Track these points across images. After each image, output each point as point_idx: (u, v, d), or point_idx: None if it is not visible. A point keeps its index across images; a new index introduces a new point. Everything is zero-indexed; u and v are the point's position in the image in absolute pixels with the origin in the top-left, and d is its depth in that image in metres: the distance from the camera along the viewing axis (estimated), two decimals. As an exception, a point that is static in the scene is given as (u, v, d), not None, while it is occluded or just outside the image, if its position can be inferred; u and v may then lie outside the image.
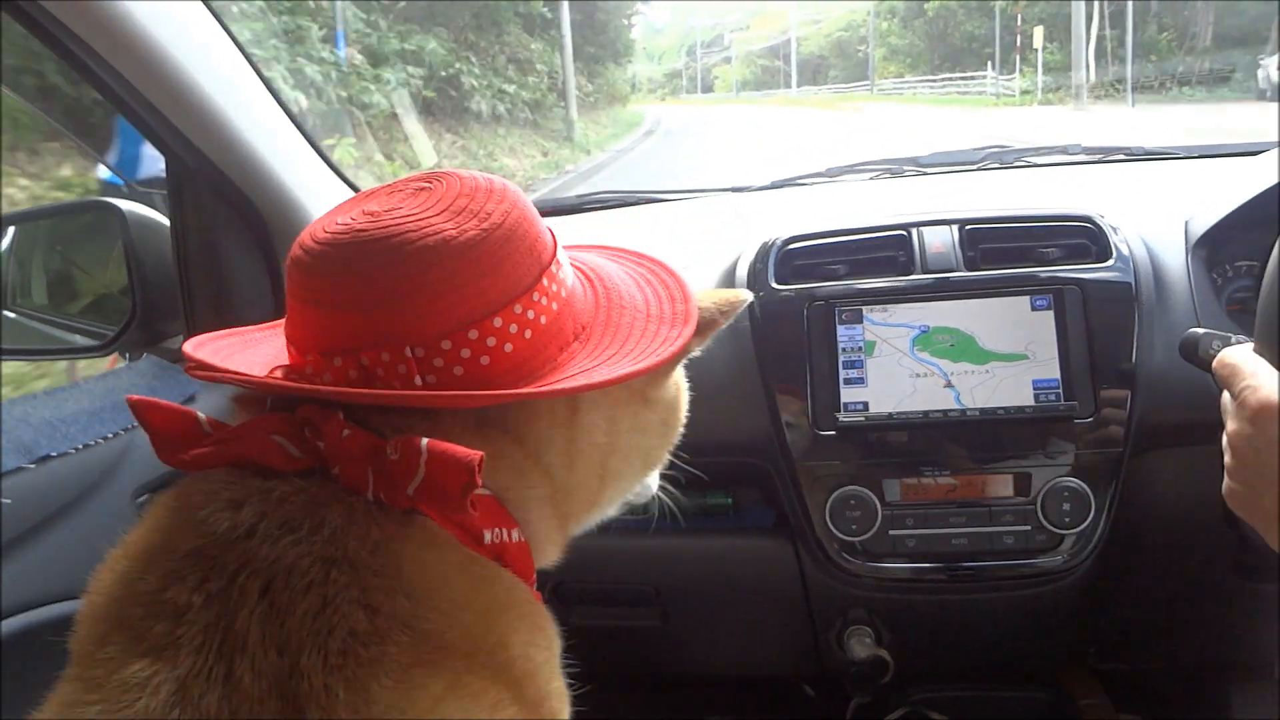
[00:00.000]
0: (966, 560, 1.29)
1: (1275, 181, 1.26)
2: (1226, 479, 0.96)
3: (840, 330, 1.32)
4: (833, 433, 1.29)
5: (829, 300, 1.33)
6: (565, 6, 23.27)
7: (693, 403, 1.36)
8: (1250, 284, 1.34)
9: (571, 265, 0.78)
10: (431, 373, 0.67)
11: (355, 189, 1.71)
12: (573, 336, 0.74)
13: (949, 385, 1.29)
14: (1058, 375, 1.27)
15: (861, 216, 1.46)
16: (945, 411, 1.28)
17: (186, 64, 1.31)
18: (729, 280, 1.42)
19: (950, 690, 1.59)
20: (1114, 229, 1.34)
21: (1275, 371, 0.91)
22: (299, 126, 1.54)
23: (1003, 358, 1.28)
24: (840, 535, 1.29)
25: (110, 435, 1.40)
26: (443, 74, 15.95)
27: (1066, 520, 1.25)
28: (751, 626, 1.51)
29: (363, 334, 0.66)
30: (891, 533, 1.29)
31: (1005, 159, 1.82)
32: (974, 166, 1.81)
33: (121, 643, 0.58)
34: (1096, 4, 27.40)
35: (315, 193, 1.56)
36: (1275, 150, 1.40)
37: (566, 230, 1.82)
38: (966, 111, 29.37)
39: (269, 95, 1.47)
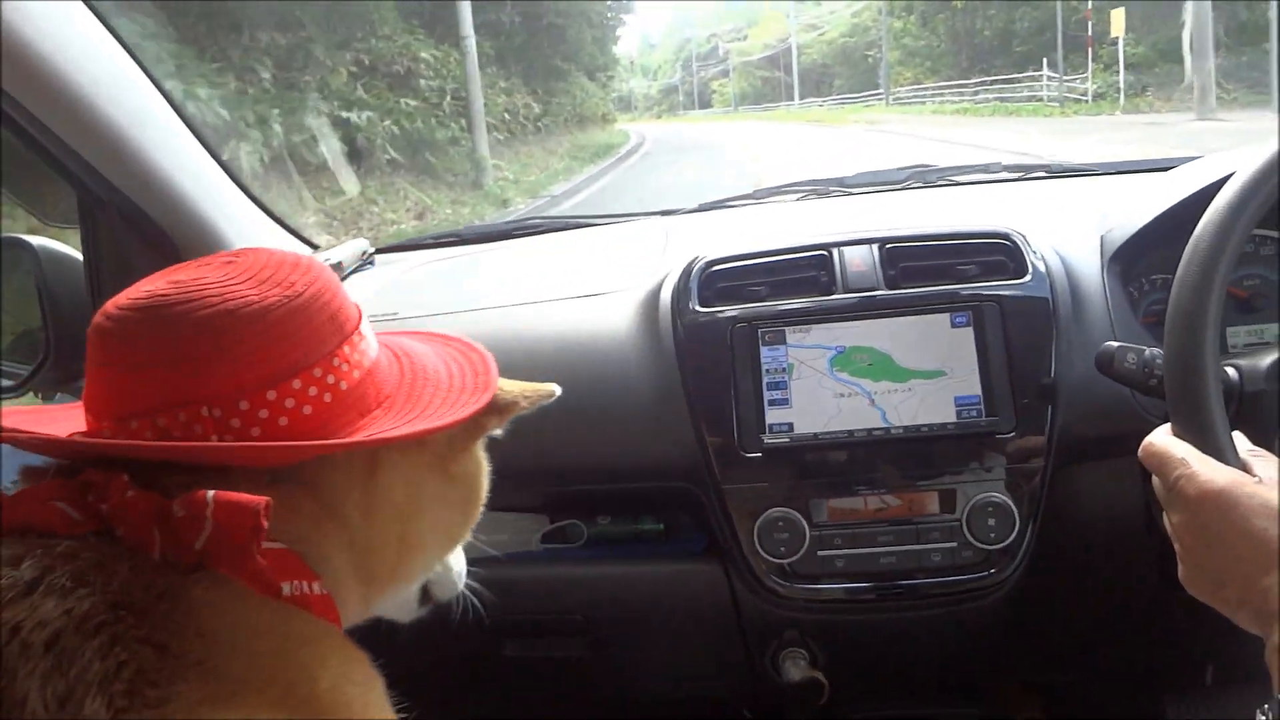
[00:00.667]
0: (896, 579, 1.29)
1: (1185, 196, 1.28)
2: (1181, 566, 0.94)
3: (764, 351, 1.32)
4: (758, 455, 1.29)
5: (752, 322, 1.33)
6: (465, 5, 17.17)
7: (618, 428, 1.36)
8: (1164, 297, 1.36)
9: (381, 344, 0.81)
10: (229, 433, 0.67)
11: (270, 213, 1.69)
12: (375, 404, 0.76)
13: (874, 404, 1.29)
14: (979, 392, 1.28)
15: (786, 237, 1.46)
16: (870, 430, 1.28)
17: (91, 91, 1.29)
18: (654, 302, 1.42)
19: (887, 709, 1.59)
20: (1030, 245, 1.36)
21: (1203, 456, 0.90)
22: (210, 151, 1.52)
23: (921, 375, 1.29)
24: (769, 557, 1.29)
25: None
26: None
27: (992, 535, 1.26)
28: (686, 652, 1.50)
29: (160, 395, 0.66)
30: (820, 553, 1.28)
31: (929, 178, 1.84)
32: (898, 186, 1.83)
33: None
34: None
35: (231, 218, 1.54)
36: (1187, 166, 1.43)
37: (500, 256, 1.82)
38: (1027, 122, 24.47)
39: (179, 120, 1.44)
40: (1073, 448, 1.27)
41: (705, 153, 25.99)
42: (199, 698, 0.56)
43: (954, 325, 1.30)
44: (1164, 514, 0.95)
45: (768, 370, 1.31)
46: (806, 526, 1.28)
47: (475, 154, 16.62)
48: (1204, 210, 0.99)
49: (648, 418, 1.35)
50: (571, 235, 1.89)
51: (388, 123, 14.49)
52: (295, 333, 0.70)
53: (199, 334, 0.66)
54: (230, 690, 0.58)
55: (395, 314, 1.57)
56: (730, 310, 1.35)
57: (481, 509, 0.92)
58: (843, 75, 71.74)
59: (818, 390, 1.30)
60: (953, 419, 1.27)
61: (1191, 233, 0.99)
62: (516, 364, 1.44)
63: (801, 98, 75.36)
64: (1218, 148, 1.49)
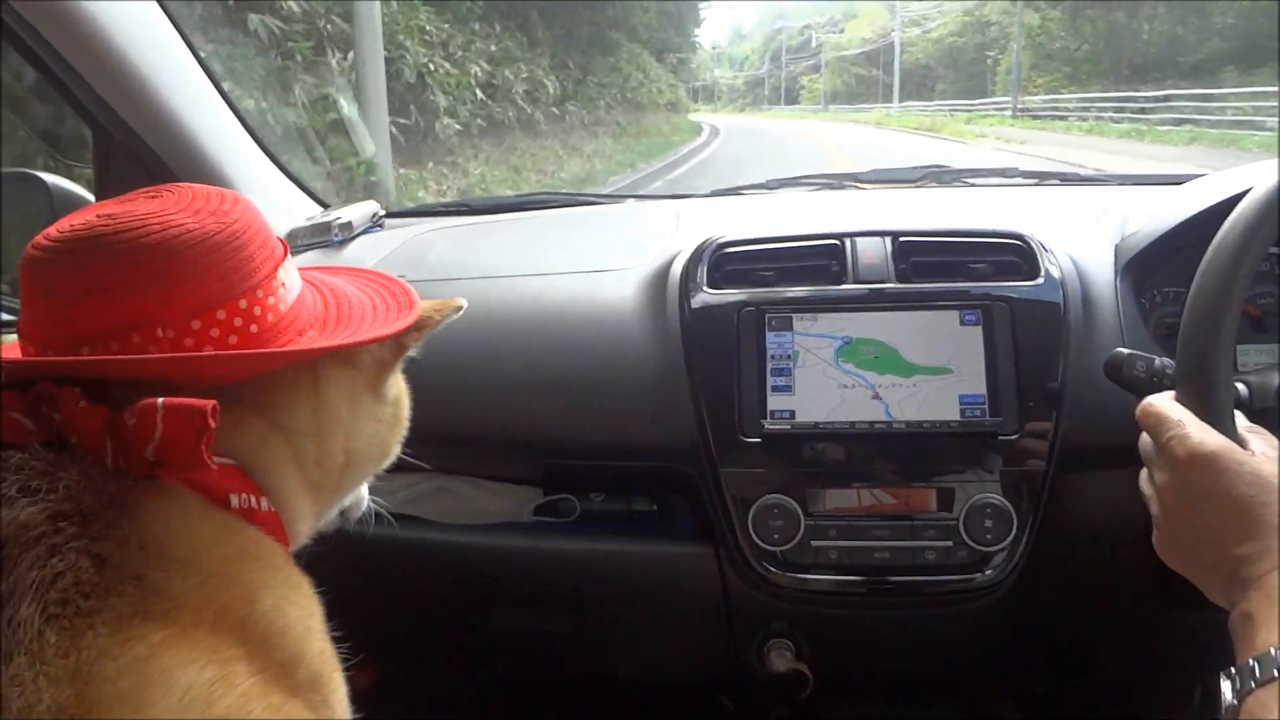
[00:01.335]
0: (888, 574, 1.28)
1: (1201, 209, 1.27)
2: (1156, 530, 0.95)
3: (770, 336, 1.31)
4: (758, 440, 1.28)
5: (760, 306, 1.32)
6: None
7: (618, 405, 1.36)
8: (1177, 310, 1.36)
9: (303, 279, 0.84)
10: (182, 352, 0.69)
11: (284, 169, 1.68)
12: (308, 325, 0.79)
13: (877, 397, 1.28)
14: (984, 391, 1.27)
15: (799, 225, 1.45)
16: (872, 423, 1.27)
17: (115, 32, 1.29)
18: (662, 281, 1.41)
19: (870, 706, 1.58)
20: (1045, 248, 1.35)
21: (1200, 421, 0.91)
22: (230, 104, 1.51)
23: (927, 371, 1.28)
24: (762, 544, 1.28)
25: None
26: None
27: (989, 537, 1.25)
28: (671, 634, 1.49)
29: (112, 319, 0.68)
30: (814, 544, 1.27)
31: (943, 178, 1.83)
32: (913, 184, 1.82)
33: None
34: None
35: (243, 169, 1.53)
36: (1202, 179, 1.42)
37: (509, 227, 1.82)
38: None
39: (201, 70, 1.44)
40: (1075, 454, 1.26)
41: (790, 164, 19.01)
42: (131, 611, 0.58)
43: (963, 323, 1.29)
44: (1148, 473, 0.96)
45: (772, 356, 1.30)
46: (801, 515, 1.27)
47: (359, 148, 9.36)
48: (1220, 224, 0.99)
49: (648, 396, 1.34)
50: (581, 211, 1.89)
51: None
52: (236, 254, 0.72)
53: (149, 258, 0.68)
54: (164, 608, 0.59)
55: (403, 276, 1.56)
56: (738, 293, 1.34)
57: (407, 426, 0.95)
58: (946, 79, 66.32)
59: (822, 379, 1.29)
60: (956, 417, 1.26)
61: (1205, 245, 0.99)
62: (520, 333, 1.45)
63: (902, 100, 68.31)
64: None
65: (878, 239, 1.37)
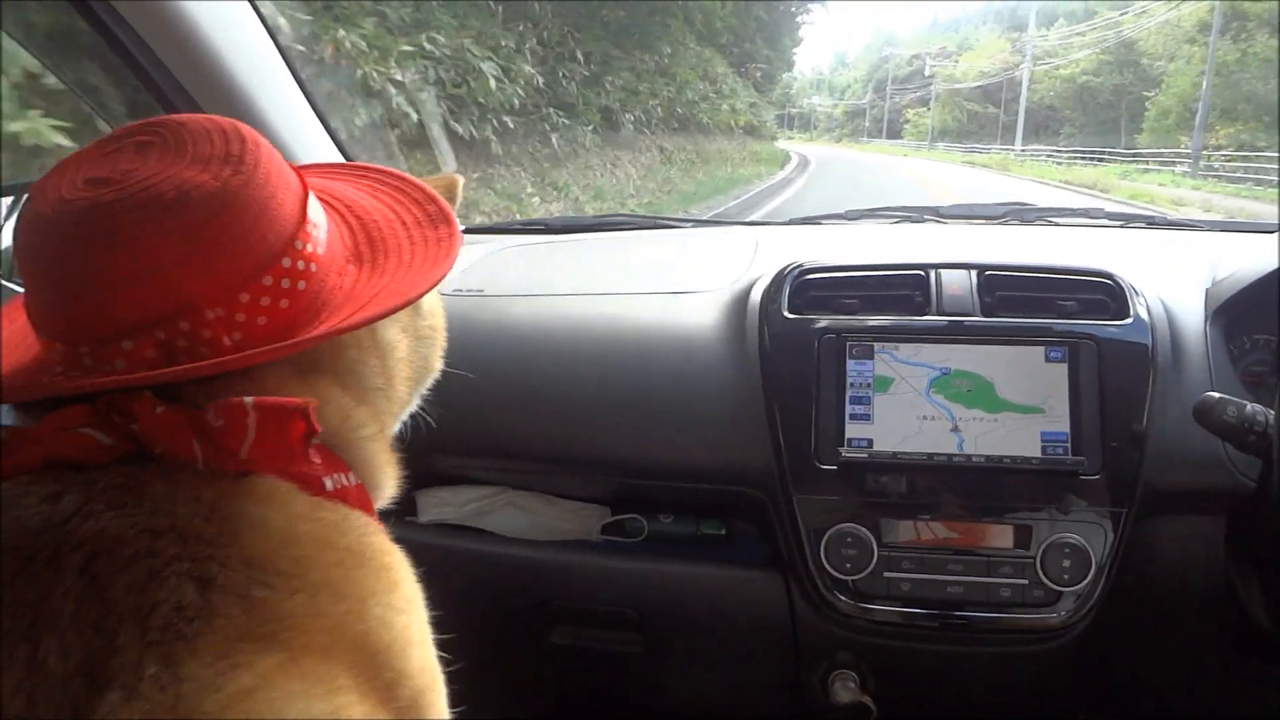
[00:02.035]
0: (960, 609, 1.26)
1: None
2: None
3: (850, 364, 1.30)
4: (834, 467, 1.27)
5: (841, 333, 1.32)
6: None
7: (694, 427, 1.36)
8: (1267, 357, 1.33)
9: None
10: (236, 329, 0.64)
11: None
12: (347, 261, 0.73)
13: (956, 429, 1.27)
14: (1067, 429, 1.25)
15: (879, 255, 1.45)
16: (950, 455, 1.26)
17: (218, 45, 1.32)
18: (742, 304, 1.41)
19: None
20: (1134, 289, 1.33)
21: None
22: (315, 108, 1.54)
23: (1017, 409, 1.27)
24: (834, 573, 1.27)
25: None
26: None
27: (1065, 577, 1.23)
28: (733, 661, 1.48)
29: (148, 308, 0.62)
30: (886, 574, 1.26)
31: (1026, 216, 1.81)
32: (994, 220, 1.81)
33: None
34: None
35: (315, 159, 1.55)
36: None
37: (585, 247, 1.83)
38: None
39: (286, 68, 1.46)
40: (1157, 498, 1.24)
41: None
42: (238, 635, 0.55)
43: (1048, 360, 1.27)
44: None
45: (852, 384, 1.30)
46: (875, 545, 1.26)
47: (440, 163, 8.31)
48: None
49: (723, 419, 1.34)
50: (658, 234, 1.89)
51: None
52: (265, 209, 0.66)
53: (173, 235, 0.61)
54: (273, 629, 0.56)
55: (481, 290, 1.57)
56: (820, 319, 1.34)
57: (444, 337, 0.91)
58: (1074, 121, 58.31)
59: (903, 409, 1.28)
60: (1037, 454, 1.25)
61: None
62: (596, 352, 1.45)
63: (1025, 143, 56.59)
64: None
65: (963, 271, 1.36)
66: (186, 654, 0.52)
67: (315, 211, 0.71)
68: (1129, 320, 1.29)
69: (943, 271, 1.37)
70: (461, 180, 0.90)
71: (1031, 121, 62.73)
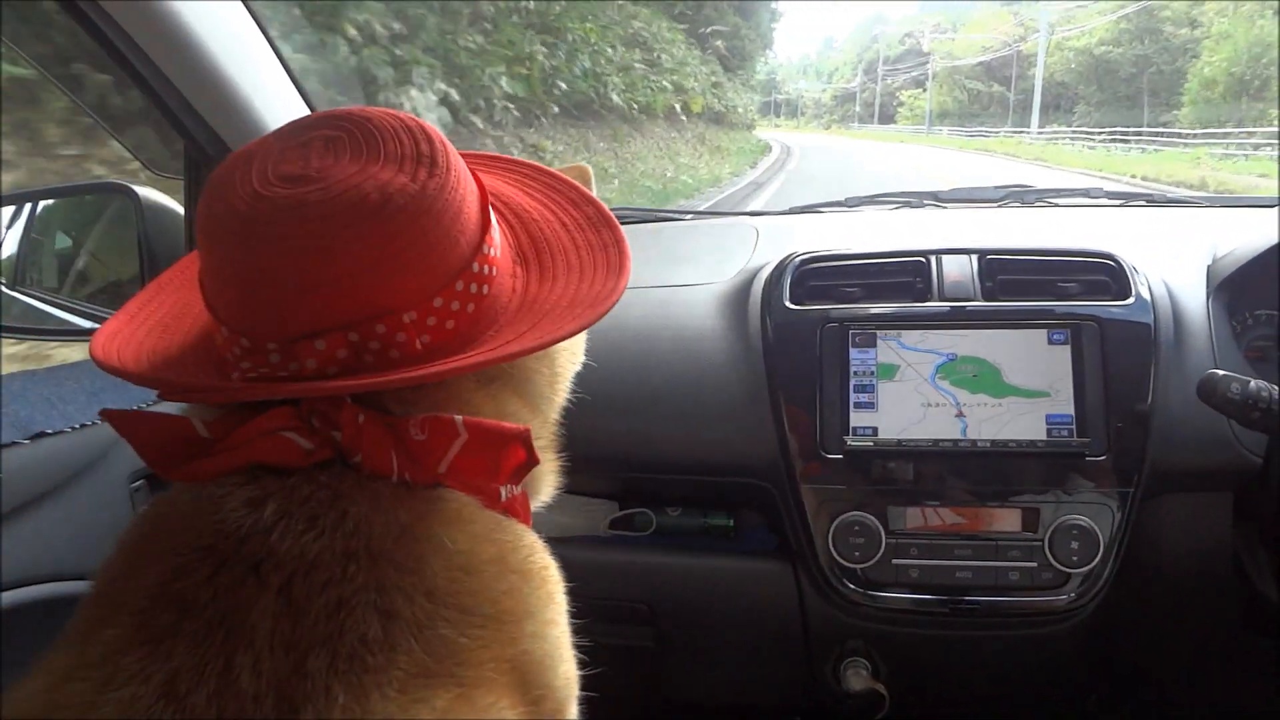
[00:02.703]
0: (970, 594, 1.26)
1: None
2: None
3: (853, 353, 1.30)
4: (839, 456, 1.27)
5: (843, 322, 1.32)
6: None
7: (699, 420, 1.36)
8: (1270, 333, 1.33)
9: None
10: (427, 333, 0.64)
11: None
12: (512, 261, 0.73)
13: (960, 415, 1.27)
14: (1072, 411, 1.25)
15: (880, 242, 1.45)
16: (955, 441, 1.26)
17: (212, 48, 1.31)
18: (744, 296, 1.41)
19: None
20: (1135, 269, 1.33)
21: None
22: (309, 104, 1.53)
23: (1022, 393, 1.27)
24: (842, 561, 1.27)
25: (109, 418, 1.38)
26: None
27: (1074, 559, 1.23)
28: (746, 653, 1.49)
29: (346, 309, 0.61)
30: (895, 562, 1.26)
31: (1025, 198, 1.81)
32: (994, 204, 1.80)
33: (124, 628, 0.56)
34: None
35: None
36: None
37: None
38: None
39: (292, 85, 1.46)
40: (1164, 477, 1.24)
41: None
42: (417, 670, 0.56)
43: (1050, 342, 1.27)
44: None
45: (855, 372, 1.30)
46: (883, 533, 1.26)
47: None
48: None
49: (728, 411, 1.34)
50: (658, 227, 1.89)
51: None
52: (459, 214, 0.65)
53: (374, 239, 0.61)
54: (449, 666, 0.57)
55: None
56: (822, 309, 1.34)
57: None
58: (1090, 99, 50.79)
59: (908, 396, 1.28)
60: (1042, 436, 1.25)
61: None
62: (598, 347, 1.45)
63: (1041, 125, 49.14)
64: None
65: (963, 256, 1.36)
66: (372, 686, 0.54)
67: (491, 213, 0.71)
68: (1131, 300, 1.29)
69: (943, 257, 1.37)
70: (591, 170, 0.89)
71: (1032, 104, 54.94)
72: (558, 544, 1.40)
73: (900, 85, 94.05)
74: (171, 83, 1.33)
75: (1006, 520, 1.25)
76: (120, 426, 0.62)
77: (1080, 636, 1.29)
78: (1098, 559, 1.22)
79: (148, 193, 1.53)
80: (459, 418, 0.61)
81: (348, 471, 0.61)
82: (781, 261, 1.41)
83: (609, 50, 15.86)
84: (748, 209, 1.93)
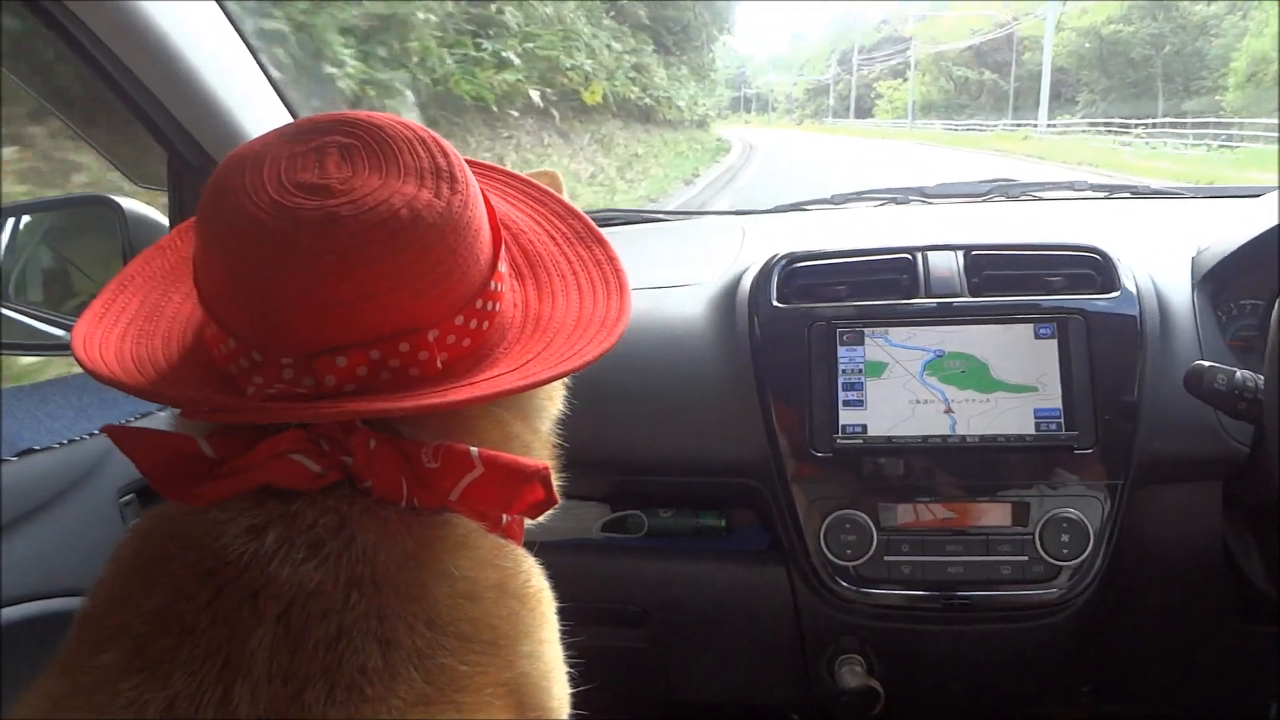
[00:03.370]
0: (962, 589, 1.27)
1: (1277, 222, 1.26)
2: None
3: (841, 351, 1.31)
4: (830, 455, 1.28)
5: (831, 320, 1.32)
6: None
7: (689, 421, 1.36)
8: (1255, 323, 1.34)
9: None
10: (445, 351, 0.63)
11: None
12: (511, 275, 0.72)
13: (948, 411, 1.27)
14: (1059, 405, 1.26)
15: (866, 240, 1.45)
16: (944, 437, 1.26)
17: (192, 58, 1.31)
18: (731, 296, 1.41)
19: None
20: (1120, 261, 1.33)
21: None
22: (286, 103, 1.53)
23: (1011, 388, 1.27)
24: (834, 559, 1.27)
25: (96, 431, 1.37)
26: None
27: (1065, 552, 1.23)
28: (741, 652, 1.49)
29: (372, 326, 0.60)
30: (887, 558, 1.27)
31: (1011, 192, 1.81)
32: (980, 198, 1.81)
33: (120, 653, 0.56)
34: None
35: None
36: (1276, 192, 1.40)
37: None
38: None
39: (275, 94, 1.46)
40: (1152, 468, 1.25)
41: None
42: (415, 699, 0.56)
43: (1038, 336, 1.28)
44: None
45: (844, 370, 1.30)
46: (874, 530, 1.26)
47: None
48: None
49: (718, 412, 1.34)
50: (646, 228, 1.89)
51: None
52: (479, 231, 0.64)
53: (402, 257, 0.60)
54: (448, 694, 0.57)
55: None
56: (809, 308, 1.34)
57: None
58: (1095, 86, 44.63)
59: (896, 394, 1.28)
60: (1031, 431, 1.25)
61: None
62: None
63: (1027, 114, 43.13)
64: None
65: (949, 253, 1.36)
66: (370, 715, 0.54)
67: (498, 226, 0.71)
68: (1116, 293, 1.30)
69: (929, 254, 1.37)
70: (560, 176, 0.88)
71: (1032, 89, 48.90)
72: (549, 548, 1.41)
73: (878, 76, 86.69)
74: (152, 93, 1.32)
75: (997, 515, 1.26)
76: (123, 444, 0.61)
77: (1073, 628, 1.30)
78: (1088, 551, 1.23)
79: (131, 205, 1.52)
80: (475, 451, 0.60)
81: (356, 496, 0.61)
82: (768, 261, 1.41)
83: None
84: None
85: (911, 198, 1.83)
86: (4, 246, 1.66)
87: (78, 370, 0.69)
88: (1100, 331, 1.27)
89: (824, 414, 1.29)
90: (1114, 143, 30.44)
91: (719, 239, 1.69)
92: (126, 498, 1.36)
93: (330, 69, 8.49)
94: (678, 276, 1.53)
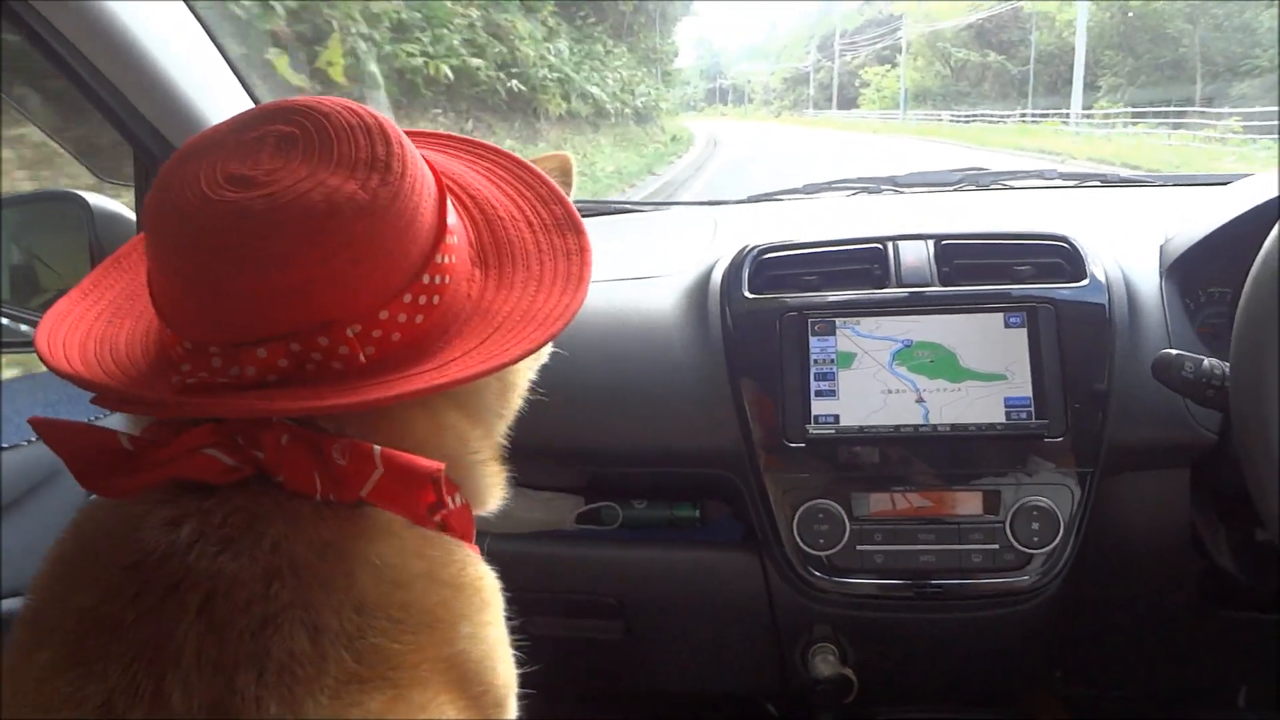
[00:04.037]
0: (934, 578, 1.27)
1: (1247, 209, 1.27)
2: None
3: (813, 341, 1.31)
4: (802, 445, 1.28)
5: (802, 311, 1.32)
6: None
7: (662, 412, 1.36)
8: (1223, 310, 1.35)
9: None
10: (371, 345, 0.63)
11: None
12: (471, 264, 0.71)
13: (920, 400, 1.28)
14: (1029, 393, 1.26)
15: (838, 230, 1.45)
16: (916, 426, 1.27)
17: (156, 52, 1.30)
18: (703, 287, 1.41)
19: (915, 711, 1.58)
20: (1089, 250, 1.34)
21: None
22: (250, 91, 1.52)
23: (980, 377, 1.28)
24: (807, 549, 1.28)
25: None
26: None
27: (1035, 539, 1.24)
28: (716, 642, 1.49)
29: (287, 320, 0.60)
30: (859, 548, 1.27)
31: (982, 181, 1.82)
32: (951, 187, 1.81)
33: (56, 651, 0.56)
34: None
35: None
36: (1248, 179, 1.41)
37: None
38: None
39: (242, 89, 1.45)
40: (1122, 456, 1.26)
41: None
42: (348, 678, 0.56)
43: (1008, 325, 1.28)
44: None
45: (816, 360, 1.30)
46: (847, 520, 1.27)
47: None
48: (1266, 223, 0.99)
49: (691, 403, 1.34)
50: (618, 220, 1.89)
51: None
52: (411, 222, 0.63)
53: (323, 249, 0.59)
54: (381, 671, 0.58)
55: None
56: (781, 298, 1.34)
57: None
58: (1120, 70, 36.32)
59: (868, 384, 1.29)
60: (1001, 419, 1.26)
61: (1251, 245, 0.98)
62: (562, 341, 1.44)
63: (1085, 107, 33.91)
64: None
65: (920, 242, 1.37)
66: (304, 695, 0.55)
67: (451, 215, 0.69)
68: (1085, 282, 1.30)
69: (900, 243, 1.37)
70: (574, 160, 0.86)
71: (1045, 75, 41.89)
72: (524, 540, 1.41)
73: (863, 62, 77.97)
74: (115, 86, 1.31)
75: (968, 504, 1.26)
76: (46, 436, 0.62)
77: (1044, 615, 1.31)
78: (1058, 539, 1.24)
79: (98, 200, 1.51)
80: (377, 449, 0.60)
81: (269, 490, 0.61)
82: (740, 251, 1.42)
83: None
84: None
85: (883, 187, 1.83)
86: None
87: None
88: (1069, 320, 1.27)
89: (796, 404, 1.29)
90: (1177, 137, 24.05)
91: (691, 230, 1.69)
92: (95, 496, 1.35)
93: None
94: (651, 268, 1.53)
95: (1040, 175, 1.84)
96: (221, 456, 0.60)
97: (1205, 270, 1.34)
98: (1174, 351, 1.09)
